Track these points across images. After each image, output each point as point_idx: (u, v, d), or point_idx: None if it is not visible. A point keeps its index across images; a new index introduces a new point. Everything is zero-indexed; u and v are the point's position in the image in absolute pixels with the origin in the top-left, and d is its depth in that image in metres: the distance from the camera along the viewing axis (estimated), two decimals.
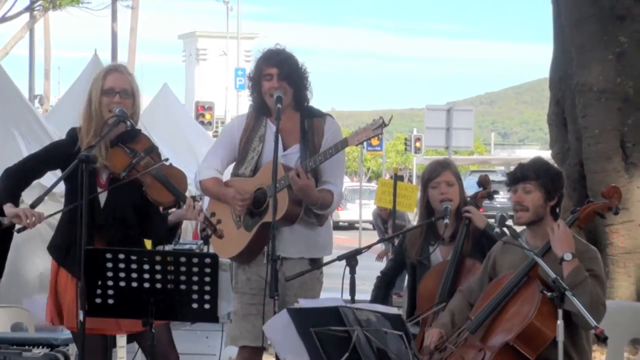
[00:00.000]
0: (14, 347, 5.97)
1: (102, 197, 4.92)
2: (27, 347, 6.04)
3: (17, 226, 4.81)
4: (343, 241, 21.20)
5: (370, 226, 24.10)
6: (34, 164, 5.02)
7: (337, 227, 28.87)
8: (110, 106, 4.89)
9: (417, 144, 32.67)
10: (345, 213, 30.50)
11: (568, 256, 4.60)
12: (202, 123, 24.16)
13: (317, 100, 5.57)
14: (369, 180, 48.82)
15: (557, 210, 4.89)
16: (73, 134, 5.01)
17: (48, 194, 4.75)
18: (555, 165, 5.01)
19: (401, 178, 13.09)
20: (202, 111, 26.59)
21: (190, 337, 9.98)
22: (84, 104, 5.01)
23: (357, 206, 24.13)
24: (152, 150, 4.99)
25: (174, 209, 5.11)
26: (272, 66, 5.32)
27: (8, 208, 4.72)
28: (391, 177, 12.22)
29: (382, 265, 13.18)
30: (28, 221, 4.65)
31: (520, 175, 4.86)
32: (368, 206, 23.39)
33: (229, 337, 5.48)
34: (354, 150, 39.33)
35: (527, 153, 48.55)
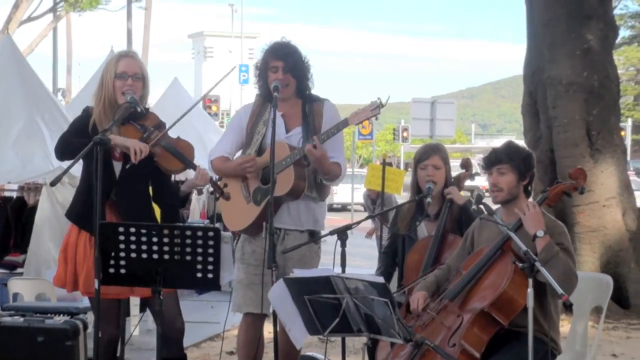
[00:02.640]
0: (37, 314, 5.97)
1: (117, 170, 4.90)
2: (49, 314, 6.04)
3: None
4: (337, 222, 21.06)
5: (362, 208, 24.13)
6: (71, 135, 4.93)
7: (331, 208, 28.87)
8: (123, 89, 4.87)
9: (405, 134, 32.74)
10: (339, 196, 30.49)
11: (540, 233, 4.59)
12: (209, 114, 24.12)
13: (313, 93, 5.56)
14: (361, 166, 48.75)
15: (529, 188, 4.89)
16: (88, 112, 4.98)
17: (66, 174, 4.73)
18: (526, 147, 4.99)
19: (390, 165, 13.05)
20: (210, 103, 26.66)
21: (197, 307, 9.99)
22: (96, 86, 4.99)
23: (350, 190, 24.14)
24: (161, 125, 4.96)
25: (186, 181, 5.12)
26: (278, 59, 5.30)
27: (117, 138, 4.69)
28: (381, 164, 12.19)
29: (372, 242, 13.24)
30: (137, 155, 4.69)
31: (494, 159, 4.85)
32: (359, 190, 23.38)
33: (234, 305, 5.48)
34: (346, 140, 39.28)
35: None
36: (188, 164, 4.91)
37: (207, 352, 7.91)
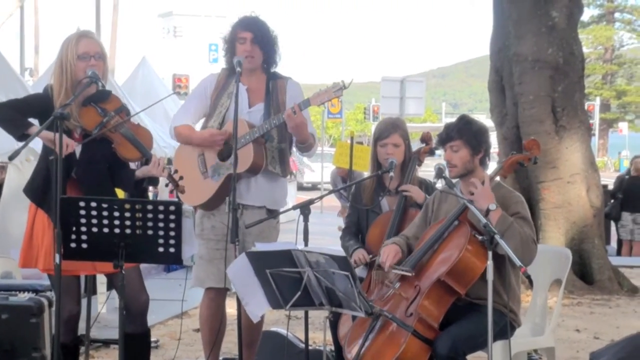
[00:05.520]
0: (1, 292, 5.95)
1: (78, 150, 4.87)
2: (13, 292, 6.02)
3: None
4: None
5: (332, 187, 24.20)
6: (21, 105, 4.89)
7: (302, 187, 28.86)
8: (87, 69, 4.83)
9: (375, 109, 32.85)
10: (309, 175, 30.49)
11: (492, 206, 4.65)
12: (178, 94, 24.02)
13: (281, 72, 5.57)
14: (331, 146, 48.77)
15: (487, 160, 4.94)
16: (47, 93, 4.94)
17: (31, 152, 4.72)
18: (479, 121, 5.03)
19: (361, 144, 13.08)
20: (179, 83, 26.49)
21: (164, 285, 10.00)
22: (55, 68, 4.94)
23: (320, 168, 24.19)
24: (122, 110, 4.92)
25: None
26: (246, 30, 5.32)
27: (44, 134, 4.61)
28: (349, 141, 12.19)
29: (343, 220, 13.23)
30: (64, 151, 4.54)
31: (446, 137, 4.90)
32: (329, 168, 23.43)
33: (196, 280, 5.52)
34: (316, 119, 39.35)
35: None
36: (144, 152, 4.88)
37: (174, 329, 7.92)
